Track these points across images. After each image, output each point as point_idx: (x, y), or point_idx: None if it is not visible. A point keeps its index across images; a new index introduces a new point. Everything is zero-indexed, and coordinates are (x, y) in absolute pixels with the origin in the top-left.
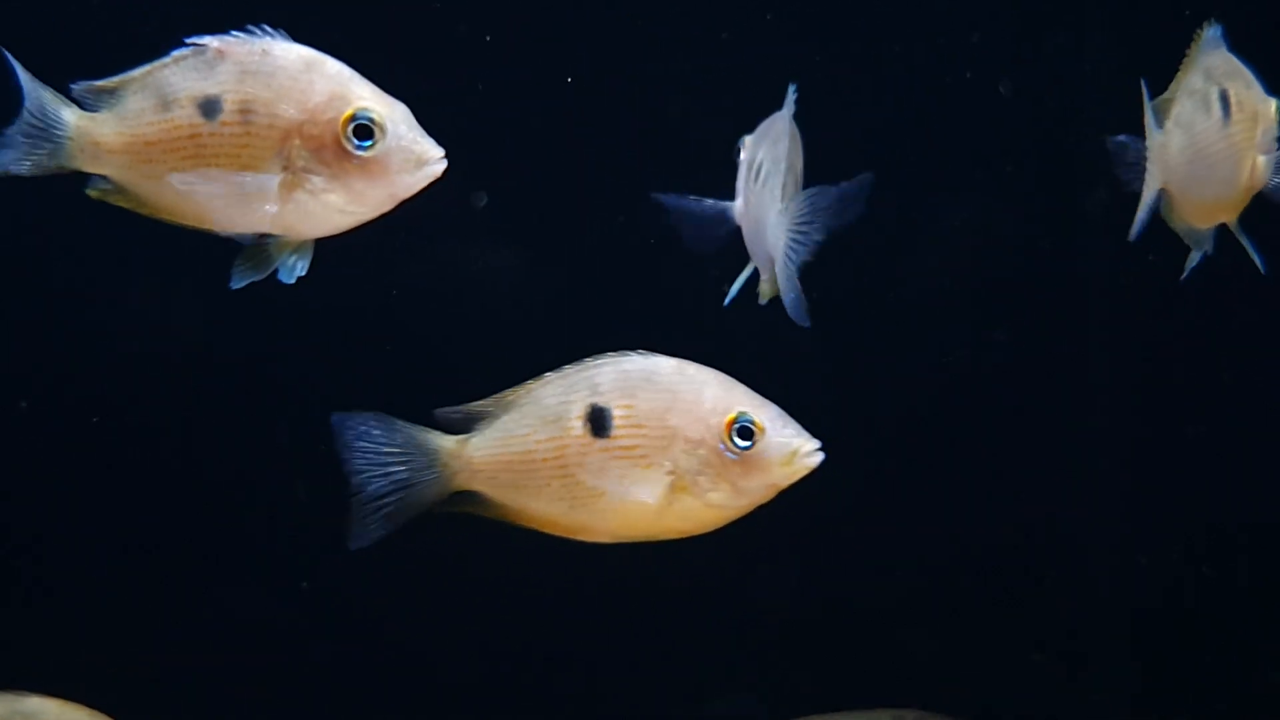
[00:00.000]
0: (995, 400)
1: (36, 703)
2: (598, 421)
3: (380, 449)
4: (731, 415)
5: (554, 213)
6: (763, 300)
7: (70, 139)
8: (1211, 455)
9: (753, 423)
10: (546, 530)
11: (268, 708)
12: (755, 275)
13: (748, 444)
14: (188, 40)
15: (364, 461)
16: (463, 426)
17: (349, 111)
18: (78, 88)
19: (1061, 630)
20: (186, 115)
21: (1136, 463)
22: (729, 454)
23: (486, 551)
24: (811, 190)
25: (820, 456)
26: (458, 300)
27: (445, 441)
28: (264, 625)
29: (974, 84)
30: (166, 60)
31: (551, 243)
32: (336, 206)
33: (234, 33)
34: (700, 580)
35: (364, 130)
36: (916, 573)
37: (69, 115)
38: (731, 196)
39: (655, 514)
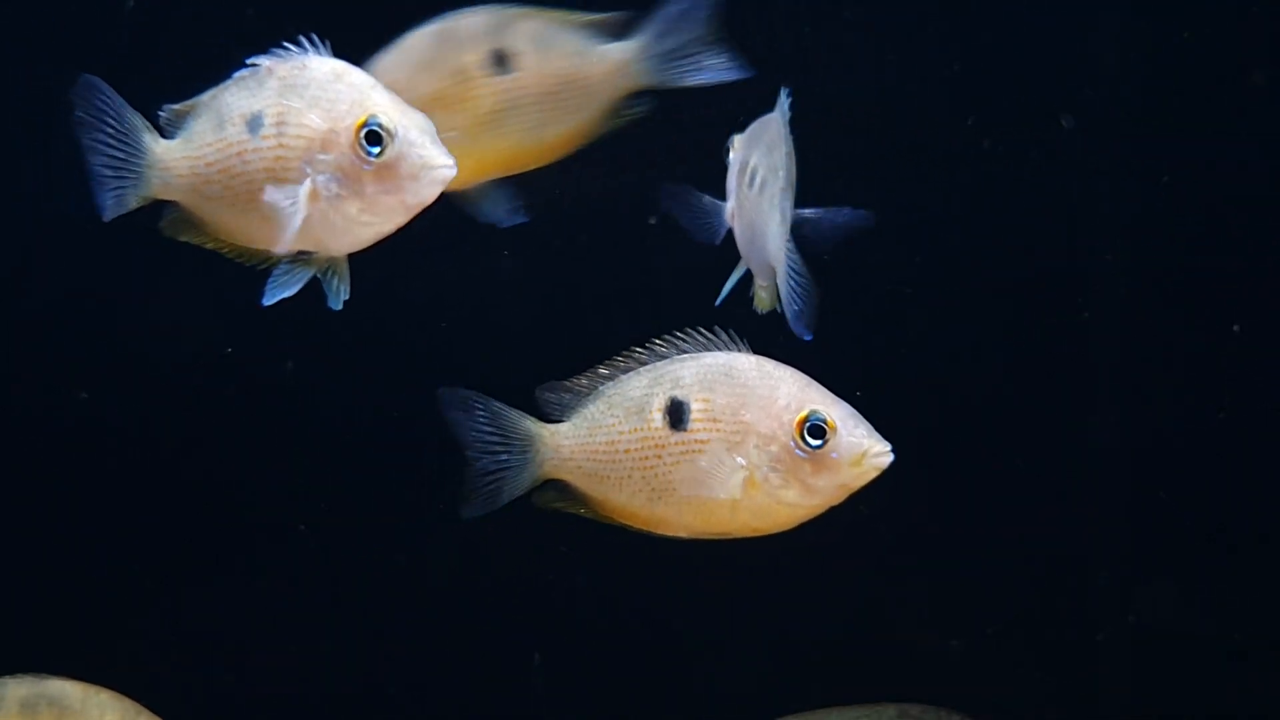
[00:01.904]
0: (998, 402)
1: (59, 685)
2: (675, 414)
3: (484, 429)
4: (803, 413)
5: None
6: (760, 309)
7: (149, 167)
8: (1217, 458)
9: (824, 421)
10: (628, 523)
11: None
12: (746, 277)
13: (818, 443)
14: (247, 61)
15: (469, 438)
16: (559, 410)
17: (361, 118)
18: (165, 113)
19: (1064, 631)
20: (237, 133)
21: (1140, 464)
22: (799, 452)
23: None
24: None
25: (889, 458)
26: (453, 300)
27: (538, 428)
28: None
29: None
30: (229, 82)
31: (546, 239)
32: (354, 216)
33: (284, 45)
34: (702, 581)
35: (375, 137)
36: (921, 573)
37: (150, 142)
38: (719, 193)
39: (730, 510)
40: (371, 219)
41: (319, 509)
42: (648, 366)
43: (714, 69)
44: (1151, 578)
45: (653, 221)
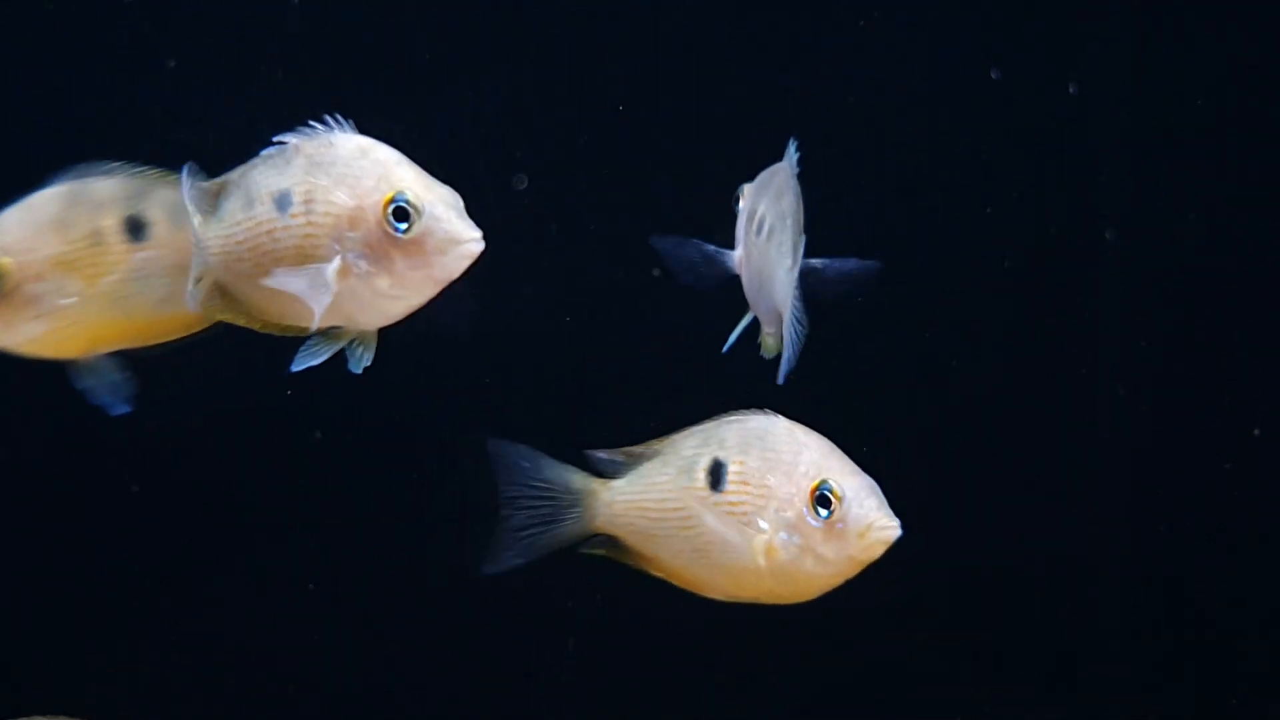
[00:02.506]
0: (998, 411)
1: None
2: (715, 476)
3: (529, 482)
4: (816, 481)
5: (556, 246)
6: (767, 355)
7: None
8: (1215, 463)
9: (831, 491)
10: (673, 582)
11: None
12: (754, 324)
13: (826, 512)
14: (275, 139)
15: (513, 491)
16: (609, 470)
17: (389, 195)
18: (190, 191)
19: (1062, 639)
20: (266, 211)
21: (1139, 471)
22: (811, 520)
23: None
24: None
25: (896, 534)
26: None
27: (590, 483)
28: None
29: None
30: (256, 160)
31: (552, 277)
32: (384, 292)
33: (311, 124)
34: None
35: (402, 213)
36: (918, 582)
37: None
38: (728, 241)
39: (756, 575)
40: (400, 294)
41: (327, 516)
42: (700, 426)
43: None
44: (1152, 581)
45: (656, 273)
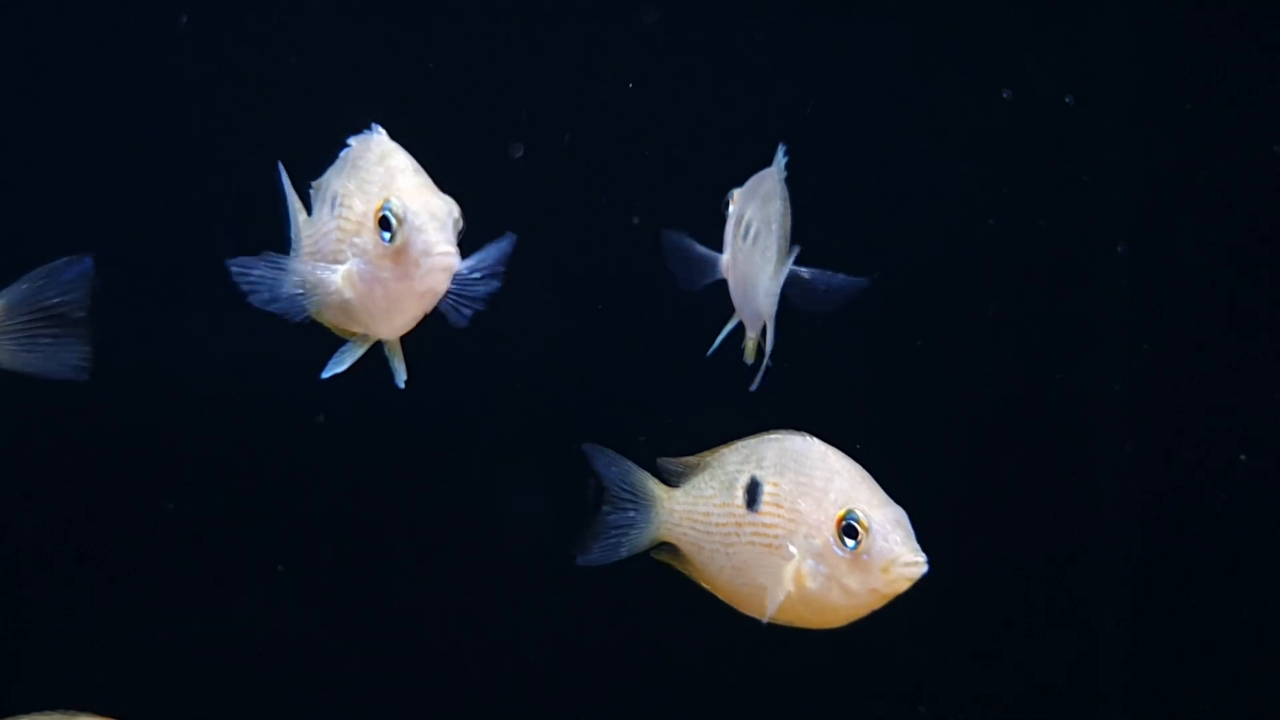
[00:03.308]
0: (996, 416)
1: None
2: (751, 494)
3: (621, 486)
4: (843, 511)
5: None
6: (748, 359)
7: (299, 251)
8: (1214, 469)
9: (858, 521)
10: (718, 595)
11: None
12: (739, 328)
13: (853, 543)
14: (347, 141)
15: (610, 493)
16: (675, 478)
17: (379, 204)
18: (313, 189)
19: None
20: (329, 213)
21: (1139, 474)
22: (838, 550)
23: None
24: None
25: (921, 571)
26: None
27: (661, 490)
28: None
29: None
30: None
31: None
32: (379, 301)
33: (372, 126)
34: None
35: (385, 222)
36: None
37: (304, 225)
38: (718, 245)
39: (786, 600)
40: (390, 305)
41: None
42: (745, 441)
43: (58, 360)
44: (1151, 590)
45: (636, 221)
